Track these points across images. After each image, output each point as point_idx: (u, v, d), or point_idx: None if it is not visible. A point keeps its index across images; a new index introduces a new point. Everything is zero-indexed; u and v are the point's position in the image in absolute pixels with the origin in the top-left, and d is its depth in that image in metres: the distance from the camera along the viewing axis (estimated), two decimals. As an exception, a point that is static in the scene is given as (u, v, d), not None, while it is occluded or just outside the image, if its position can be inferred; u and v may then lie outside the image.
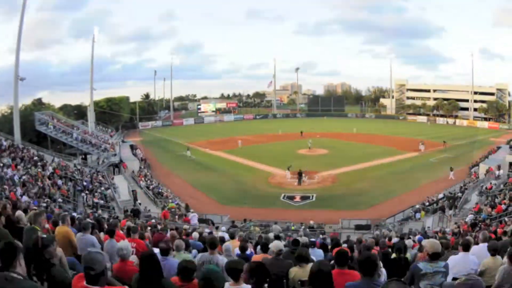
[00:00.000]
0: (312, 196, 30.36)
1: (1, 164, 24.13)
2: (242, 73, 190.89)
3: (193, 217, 23.16)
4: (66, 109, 65.73)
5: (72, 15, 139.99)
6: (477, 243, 6.96)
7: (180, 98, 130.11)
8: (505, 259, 4.78)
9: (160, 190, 32.53)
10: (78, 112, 62.91)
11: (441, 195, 28.59)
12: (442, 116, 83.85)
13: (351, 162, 40.54)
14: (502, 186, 26.30)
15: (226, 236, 10.09)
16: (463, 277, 3.47)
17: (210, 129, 73.77)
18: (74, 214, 14.17)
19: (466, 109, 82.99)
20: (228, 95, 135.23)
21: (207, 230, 14.98)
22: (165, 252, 5.17)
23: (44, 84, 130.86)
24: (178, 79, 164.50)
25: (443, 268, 4.52)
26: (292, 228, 22.26)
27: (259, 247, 7.90)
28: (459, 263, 5.67)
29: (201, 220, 24.16)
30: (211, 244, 5.90)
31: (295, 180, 33.78)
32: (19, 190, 20.08)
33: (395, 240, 11.61)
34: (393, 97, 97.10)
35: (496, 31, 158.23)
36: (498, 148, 41.35)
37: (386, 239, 11.66)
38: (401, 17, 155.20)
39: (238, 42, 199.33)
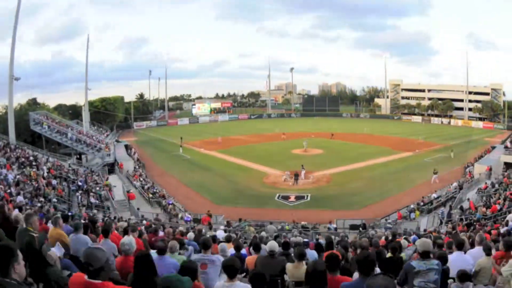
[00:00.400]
0: (307, 196, 30.37)
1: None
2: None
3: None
4: (61, 109, 65.50)
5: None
6: (473, 245, 7.03)
7: (174, 98, 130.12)
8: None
9: (155, 190, 32.41)
10: (73, 112, 62.68)
11: (435, 195, 28.72)
12: (437, 116, 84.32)
13: (346, 162, 40.69)
14: (497, 186, 26.44)
15: (222, 234, 10.07)
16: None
17: (205, 129, 73.68)
18: (70, 213, 14.06)
19: (461, 109, 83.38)
20: (223, 95, 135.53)
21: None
22: (161, 251, 5.18)
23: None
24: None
25: (436, 266, 4.58)
26: (287, 228, 22.22)
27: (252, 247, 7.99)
28: (454, 263, 5.74)
29: (195, 220, 24.14)
30: (204, 244, 5.97)
31: (290, 180, 33.79)
32: (13, 190, 19.94)
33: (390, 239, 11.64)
34: (387, 97, 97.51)
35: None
36: (493, 148, 41.43)
37: (383, 238, 11.72)
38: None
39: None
